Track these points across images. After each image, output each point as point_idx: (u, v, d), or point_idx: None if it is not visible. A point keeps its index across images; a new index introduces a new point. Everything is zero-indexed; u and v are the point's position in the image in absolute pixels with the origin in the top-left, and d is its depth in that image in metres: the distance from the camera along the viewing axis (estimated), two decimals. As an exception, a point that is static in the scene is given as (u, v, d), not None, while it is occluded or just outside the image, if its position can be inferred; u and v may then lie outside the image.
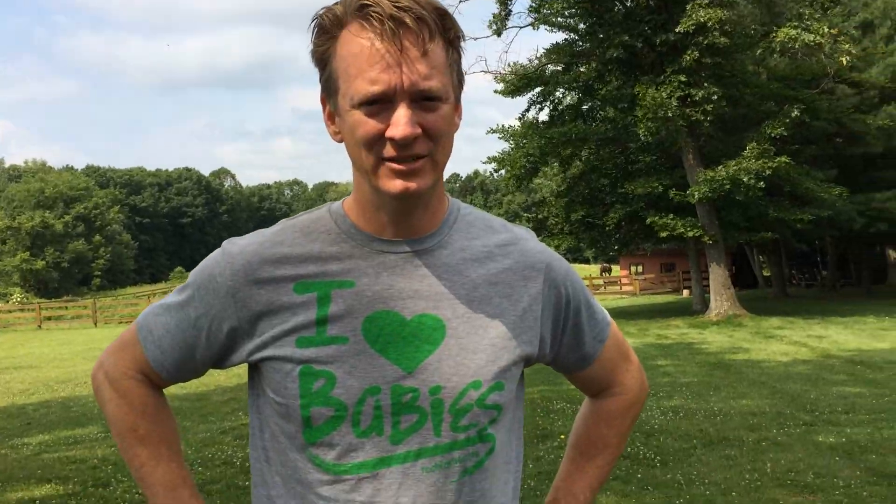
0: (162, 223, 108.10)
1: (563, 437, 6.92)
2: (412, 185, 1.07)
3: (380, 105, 1.04)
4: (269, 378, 1.15)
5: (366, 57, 1.04)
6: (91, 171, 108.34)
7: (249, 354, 1.17)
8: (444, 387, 1.11)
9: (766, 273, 37.45)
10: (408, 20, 1.02)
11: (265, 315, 1.14)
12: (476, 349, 1.13)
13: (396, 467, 1.11)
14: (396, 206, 1.12)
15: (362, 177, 1.12)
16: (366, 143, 1.06)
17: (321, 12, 1.09)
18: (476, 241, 1.20)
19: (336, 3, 1.08)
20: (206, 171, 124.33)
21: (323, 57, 1.10)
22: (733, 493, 5.10)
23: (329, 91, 1.12)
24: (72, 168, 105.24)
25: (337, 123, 1.14)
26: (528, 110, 23.14)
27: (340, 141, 1.14)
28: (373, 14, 1.03)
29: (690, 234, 20.06)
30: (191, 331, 1.20)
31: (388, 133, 1.04)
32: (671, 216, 20.24)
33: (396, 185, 1.06)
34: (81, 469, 6.61)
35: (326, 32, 1.09)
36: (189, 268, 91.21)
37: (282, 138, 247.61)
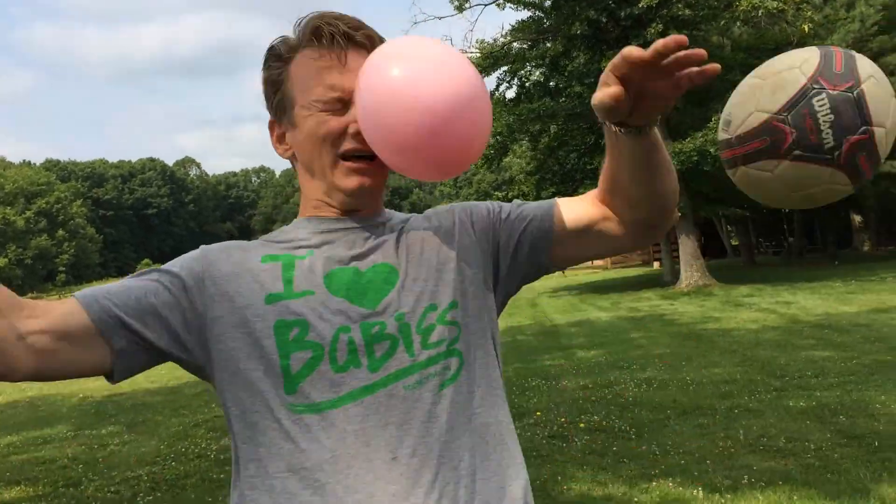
0: (126, 215, 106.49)
1: (538, 413, 6.94)
2: (367, 181, 1.25)
3: (338, 107, 1.22)
4: (238, 350, 1.18)
5: (323, 68, 1.22)
6: (51, 164, 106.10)
7: (214, 322, 1.19)
8: (406, 312, 1.21)
9: (734, 242, 37.94)
10: (358, 37, 1.23)
11: (234, 276, 1.21)
12: (427, 279, 1.25)
13: (381, 391, 1.16)
14: (348, 202, 1.28)
15: (317, 178, 1.27)
16: (327, 137, 1.22)
17: (275, 42, 1.27)
18: (410, 220, 1.37)
19: (287, 36, 1.27)
20: (170, 161, 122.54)
21: (277, 80, 1.27)
22: (707, 462, 5.14)
23: (281, 110, 1.28)
24: (30, 163, 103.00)
25: (288, 139, 1.30)
26: (496, 89, 23.06)
27: (291, 157, 1.31)
28: (325, 34, 1.21)
29: (659, 206, 20.15)
30: (152, 284, 1.20)
31: (351, 127, 1.21)
32: (639, 189, 20.30)
33: (353, 181, 1.24)
34: (51, 469, 6.49)
35: (280, 59, 1.26)
36: (156, 259, 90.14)
37: (246, 125, 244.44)
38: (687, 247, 21.08)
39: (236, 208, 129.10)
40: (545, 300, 21.58)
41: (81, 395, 10.66)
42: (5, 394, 11.71)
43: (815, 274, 21.87)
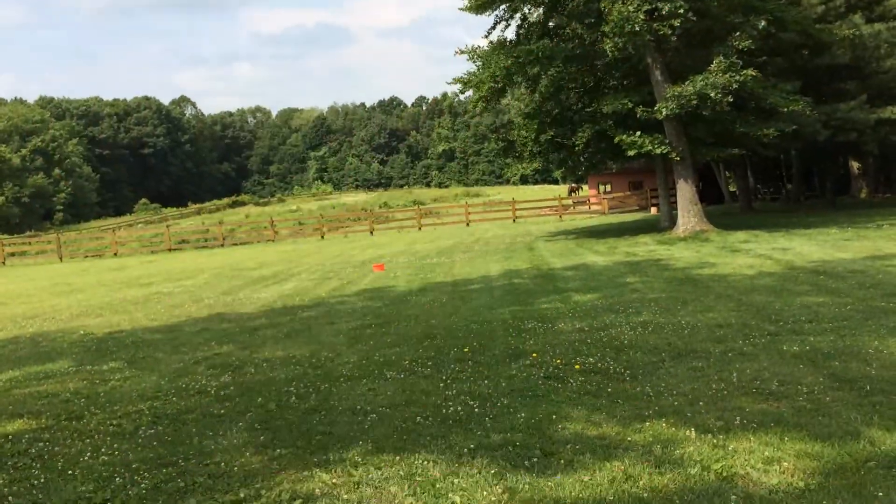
0: (123, 154, 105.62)
1: (534, 355, 7.02)
2: None
3: None
4: None
5: None
6: (45, 102, 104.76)
7: None
8: None
9: (731, 188, 37.83)
10: None
11: None
12: None
13: None
14: None
15: None
16: None
17: None
18: None
19: None
20: (165, 100, 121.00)
21: None
22: (700, 403, 5.23)
23: None
24: (23, 100, 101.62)
25: None
26: (493, 27, 22.65)
27: None
28: None
29: (658, 151, 20.05)
30: None
31: None
32: (639, 134, 20.16)
33: None
34: (53, 403, 6.57)
35: None
36: (154, 199, 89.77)
37: (241, 63, 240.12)
38: (685, 192, 21.02)
39: (233, 149, 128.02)
40: (542, 244, 21.62)
41: (82, 332, 10.74)
42: (6, 330, 11.78)
43: (812, 220, 21.90)
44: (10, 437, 5.61)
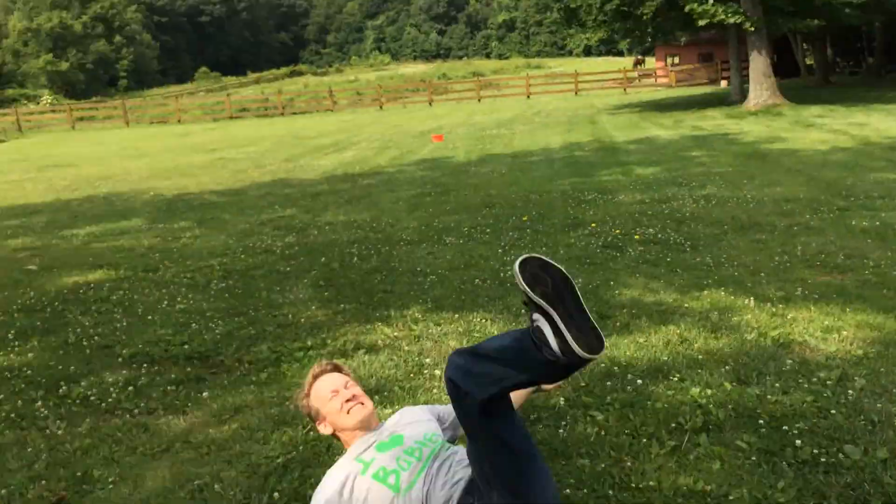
0: (181, 22, 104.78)
1: (593, 224, 7.01)
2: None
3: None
4: None
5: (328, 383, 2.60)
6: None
7: None
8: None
9: (808, 62, 35.82)
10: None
11: None
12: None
13: None
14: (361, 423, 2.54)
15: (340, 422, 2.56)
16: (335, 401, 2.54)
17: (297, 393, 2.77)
18: None
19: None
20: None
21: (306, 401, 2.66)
22: (762, 274, 5.20)
23: (315, 413, 2.63)
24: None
25: (320, 420, 2.60)
26: None
27: (325, 425, 2.60)
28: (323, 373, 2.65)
29: (732, 20, 19.00)
30: None
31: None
32: (711, 2, 19.07)
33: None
34: (130, 256, 6.91)
35: (304, 390, 2.67)
36: (213, 68, 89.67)
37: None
38: (758, 64, 20.03)
39: (290, 17, 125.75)
40: (605, 118, 21.10)
41: (153, 193, 11.12)
42: (80, 190, 12.26)
43: (892, 96, 20.74)
44: (93, 285, 5.96)
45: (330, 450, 2.98)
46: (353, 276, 5.79)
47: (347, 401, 2.52)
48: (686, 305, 4.61)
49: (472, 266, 5.85)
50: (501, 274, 5.54)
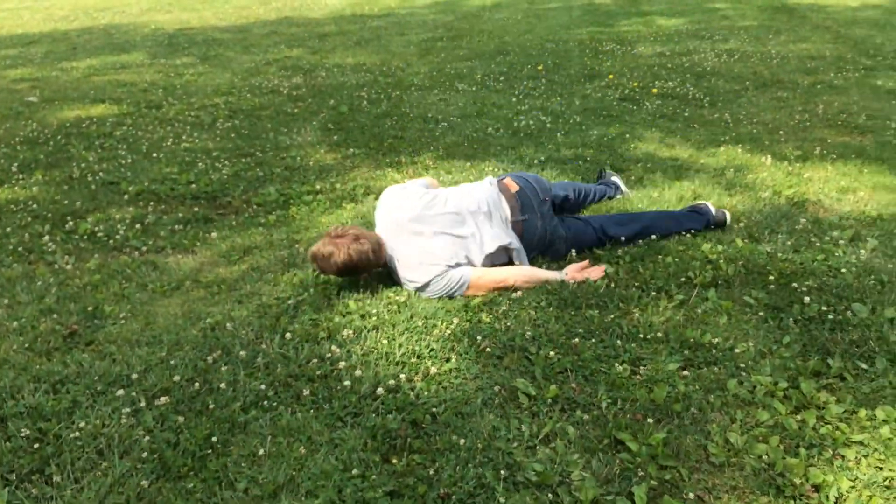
0: None
1: (611, 76, 6.78)
2: None
3: None
4: None
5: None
6: None
7: None
8: None
9: None
10: None
11: None
12: None
13: None
14: None
15: None
16: None
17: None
18: None
19: None
20: None
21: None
22: (780, 132, 5.06)
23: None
24: None
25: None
26: None
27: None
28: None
29: None
30: None
31: None
32: None
33: None
34: (133, 91, 6.73)
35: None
36: None
37: None
38: None
39: None
40: (627, -37, 19.97)
41: (153, 27, 10.71)
42: (79, 20, 11.81)
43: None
44: (95, 119, 5.84)
45: (340, 293, 3.00)
46: (362, 120, 5.65)
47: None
48: (702, 162, 4.52)
49: (485, 114, 5.70)
50: (514, 123, 5.41)
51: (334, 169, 4.58)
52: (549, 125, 5.34)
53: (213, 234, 3.66)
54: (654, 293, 2.95)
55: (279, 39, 9.42)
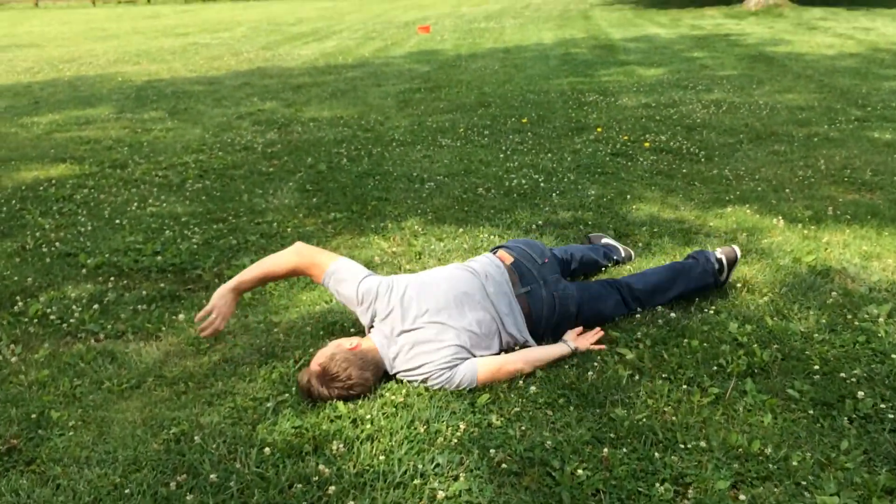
0: None
1: (599, 129, 6.53)
2: None
3: None
4: None
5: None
6: None
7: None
8: None
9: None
10: None
11: None
12: None
13: None
14: None
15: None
16: None
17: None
18: None
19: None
20: None
21: None
22: (786, 190, 4.81)
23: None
24: None
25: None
26: None
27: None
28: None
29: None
30: None
31: None
32: None
33: None
34: (96, 149, 6.34)
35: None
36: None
37: None
38: (763, -40, 19.06)
39: None
40: (598, 12, 20.13)
41: (121, 79, 10.34)
42: (44, 72, 11.42)
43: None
44: (54, 181, 5.42)
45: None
46: (342, 179, 5.31)
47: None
48: (710, 224, 4.22)
49: (473, 172, 5.38)
50: (506, 182, 5.09)
51: (314, 236, 4.21)
52: (542, 184, 5.04)
53: (181, 316, 3.25)
54: (685, 386, 2.60)
55: (252, 91, 9.11)
